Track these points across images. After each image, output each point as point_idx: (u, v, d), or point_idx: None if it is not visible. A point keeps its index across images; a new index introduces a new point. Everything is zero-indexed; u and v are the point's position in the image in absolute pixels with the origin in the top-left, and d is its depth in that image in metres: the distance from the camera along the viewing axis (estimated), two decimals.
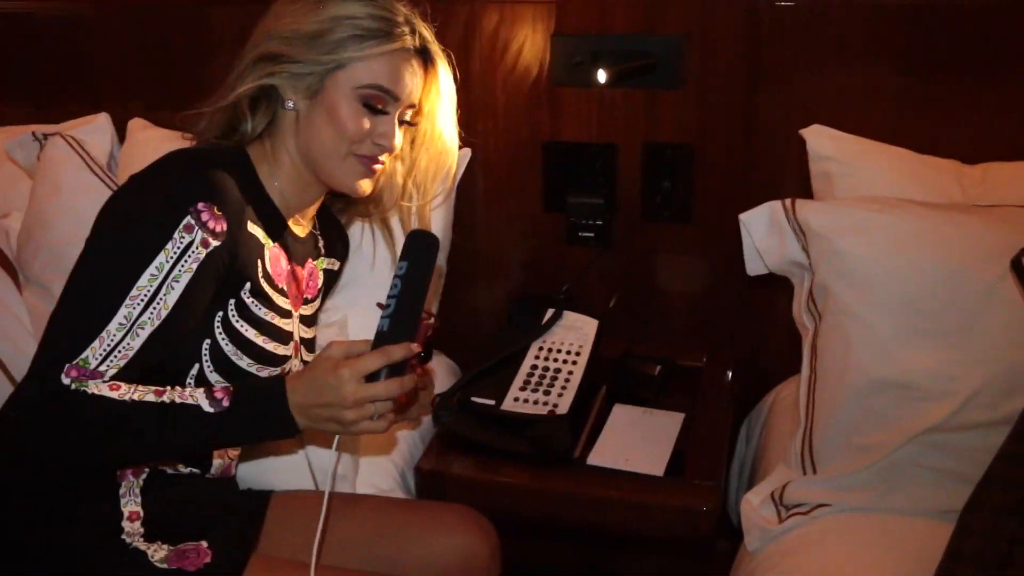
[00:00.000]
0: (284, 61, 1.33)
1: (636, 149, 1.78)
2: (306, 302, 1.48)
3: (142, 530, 1.27)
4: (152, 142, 1.94)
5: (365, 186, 1.42)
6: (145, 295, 1.19)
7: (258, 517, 1.40)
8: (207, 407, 1.17)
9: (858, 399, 1.31)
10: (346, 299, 1.72)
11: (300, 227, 1.46)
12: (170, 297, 1.21)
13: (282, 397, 1.18)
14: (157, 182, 1.25)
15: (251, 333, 1.33)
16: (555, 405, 1.61)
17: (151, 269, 1.19)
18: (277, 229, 1.40)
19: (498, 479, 1.54)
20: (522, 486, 1.53)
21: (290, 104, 1.36)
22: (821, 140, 1.56)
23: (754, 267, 1.48)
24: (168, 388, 1.19)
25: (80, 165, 1.78)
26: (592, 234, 1.82)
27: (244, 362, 1.33)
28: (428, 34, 1.41)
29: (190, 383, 1.30)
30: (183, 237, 1.21)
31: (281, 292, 1.40)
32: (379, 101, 1.36)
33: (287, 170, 1.39)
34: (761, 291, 1.80)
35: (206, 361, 1.31)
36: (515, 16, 1.75)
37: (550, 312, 1.76)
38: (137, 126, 1.99)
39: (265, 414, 1.19)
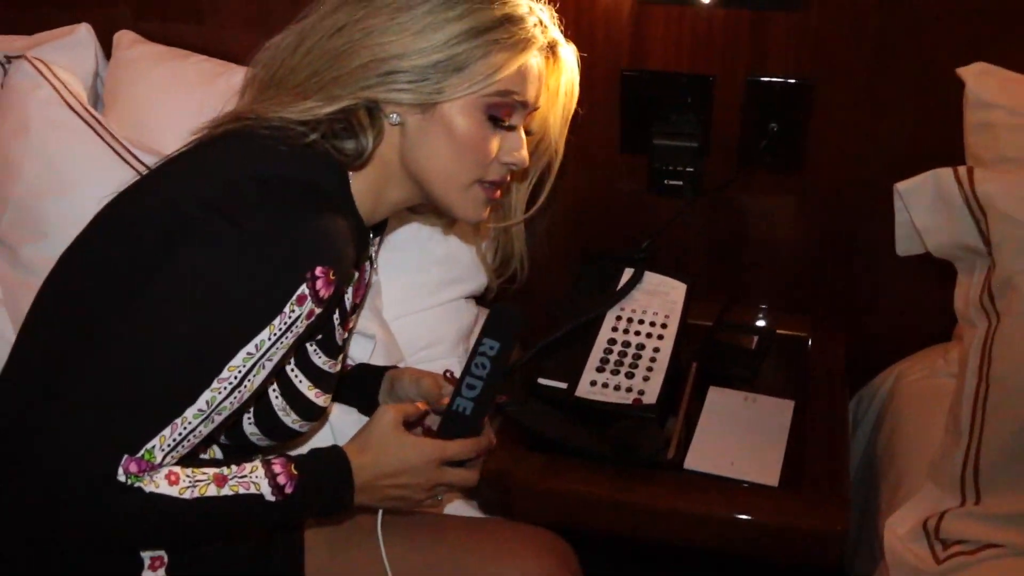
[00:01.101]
0: (397, 74, 1.04)
1: (737, 84, 1.48)
2: (354, 310, 1.23)
3: None
4: (145, 62, 1.64)
5: (484, 214, 1.17)
6: (235, 377, 0.95)
7: (299, 547, 1.16)
8: (269, 496, 0.99)
9: None
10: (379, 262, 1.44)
11: None
12: (258, 378, 0.97)
13: (348, 478, 1.06)
14: (272, 230, 0.96)
15: (304, 385, 1.10)
16: (641, 392, 1.36)
17: (250, 347, 0.95)
18: (360, 262, 1.16)
19: (574, 487, 1.31)
20: (604, 497, 1.29)
21: (395, 117, 1.07)
22: (985, 82, 1.25)
23: (908, 247, 1.21)
24: (225, 470, 0.98)
25: (52, 98, 1.46)
26: (681, 182, 1.53)
27: (290, 418, 1.11)
28: (553, 21, 1.14)
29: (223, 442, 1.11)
30: (293, 311, 0.96)
31: (347, 323, 1.15)
32: (506, 111, 1.09)
33: (372, 183, 1.12)
34: (870, 250, 1.54)
35: (248, 417, 1.10)
36: None
37: (628, 273, 1.50)
38: (125, 41, 1.67)
39: (331, 500, 1.05)
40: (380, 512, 1.13)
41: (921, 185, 1.16)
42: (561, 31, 1.16)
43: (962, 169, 1.14)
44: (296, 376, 1.09)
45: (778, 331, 1.56)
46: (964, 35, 1.36)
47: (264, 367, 0.97)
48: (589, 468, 1.32)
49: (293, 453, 1.06)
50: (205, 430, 0.96)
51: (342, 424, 1.31)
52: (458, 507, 1.34)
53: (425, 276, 1.50)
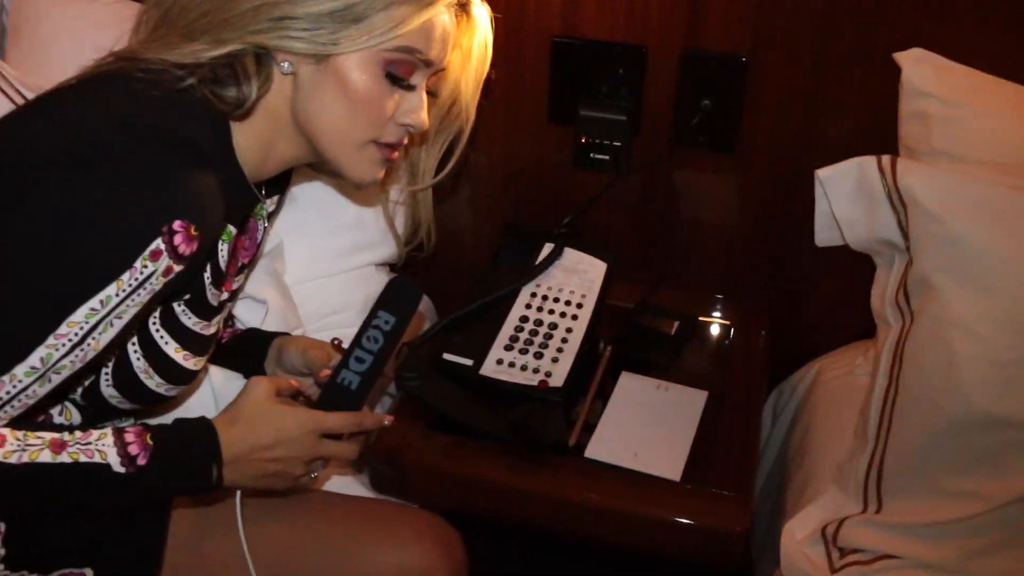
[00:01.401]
0: (290, 20, 0.96)
1: (672, 56, 1.40)
2: (240, 270, 1.15)
3: (2, 552, 0.96)
4: (52, 10, 1.53)
5: (377, 175, 1.09)
6: (75, 335, 0.87)
7: (162, 528, 1.09)
8: (117, 466, 0.91)
9: (958, 432, 1.00)
10: (282, 223, 1.37)
11: None
12: (104, 336, 0.90)
13: (214, 451, 0.98)
14: (127, 181, 0.88)
15: (171, 347, 1.02)
16: (548, 374, 1.30)
17: (93, 302, 0.87)
18: (241, 218, 1.08)
19: (469, 471, 1.24)
20: (500, 483, 1.22)
21: (286, 66, 0.99)
22: (921, 69, 1.19)
23: (827, 237, 1.14)
24: (67, 435, 0.90)
25: None
26: (607, 156, 1.46)
27: (154, 381, 1.03)
28: None
29: (70, 401, 1.03)
30: (146, 267, 0.88)
31: (222, 283, 1.07)
32: (407, 69, 1.02)
33: (260, 136, 1.04)
34: (802, 239, 1.47)
35: (105, 376, 1.01)
36: None
37: (547, 248, 1.44)
38: None
39: (194, 475, 0.98)
40: (238, 492, 1.06)
41: (843, 173, 1.09)
42: None
43: (886, 158, 1.08)
44: (161, 336, 1.01)
45: (701, 318, 1.49)
46: (909, 20, 1.29)
47: (112, 324, 0.89)
48: (488, 451, 1.25)
49: (154, 421, 1.00)
50: (40, 390, 0.89)
51: (226, 391, 1.24)
52: (346, 484, 1.28)
53: (334, 240, 1.43)
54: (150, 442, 0.93)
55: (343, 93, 1.01)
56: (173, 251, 0.89)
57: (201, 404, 1.23)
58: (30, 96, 1.35)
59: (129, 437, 0.93)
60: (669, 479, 1.21)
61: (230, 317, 1.30)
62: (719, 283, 1.55)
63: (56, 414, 1.03)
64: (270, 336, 1.24)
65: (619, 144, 1.44)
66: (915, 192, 1.04)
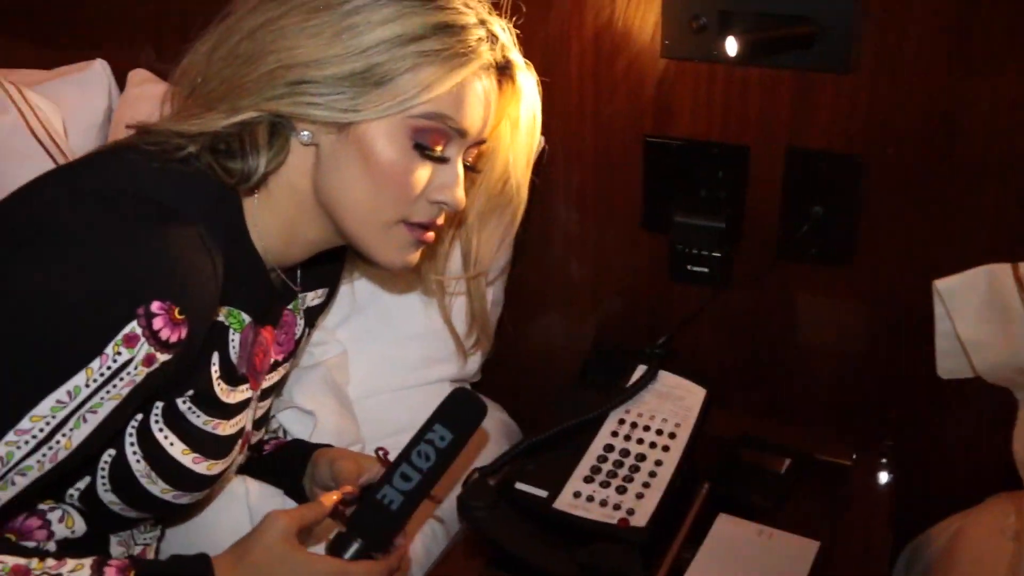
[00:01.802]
0: (307, 85, 0.89)
1: (777, 155, 1.27)
2: (274, 367, 1.05)
3: None
4: (151, 100, 1.52)
5: (411, 260, 0.99)
6: (40, 431, 0.78)
7: None
8: None
9: None
10: (347, 331, 1.28)
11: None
12: (77, 434, 0.81)
13: None
14: (97, 257, 0.80)
15: (176, 449, 0.92)
16: (630, 511, 1.14)
17: (59, 393, 0.78)
18: (260, 304, 0.98)
19: None
20: None
21: (305, 136, 0.91)
22: None
23: (951, 366, 0.96)
24: (34, 563, 0.81)
25: (18, 125, 1.38)
26: (706, 269, 1.31)
27: (158, 487, 0.92)
28: (509, 37, 0.98)
29: (70, 505, 0.92)
30: (119, 354, 0.79)
31: (240, 381, 0.97)
32: (437, 139, 0.92)
33: (280, 215, 0.96)
34: (934, 368, 1.27)
35: (102, 478, 0.90)
36: None
37: (640, 371, 1.30)
38: (137, 79, 1.62)
39: None
40: None
41: (969, 284, 0.91)
42: (521, 53, 1.00)
43: (1023, 265, 0.89)
44: (165, 436, 0.91)
45: (815, 455, 1.30)
46: None
47: (85, 420, 0.80)
48: None
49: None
50: (4, 495, 0.79)
51: (263, 508, 1.12)
52: None
53: (401, 352, 1.33)
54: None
55: (366, 165, 0.91)
56: (153, 337, 0.79)
57: (233, 522, 1.11)
58: None
59: (109, 572, 0.82)
60: None
61: (276, 427, 1.20)
62: (834, 416, 1.37)
63: (56, 520, 0.93)
64: (312, 448, 1.13)
65: (718, 255, 1.30)
66: None
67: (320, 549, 0.96)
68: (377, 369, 1.32)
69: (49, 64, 1.66)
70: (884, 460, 1.29)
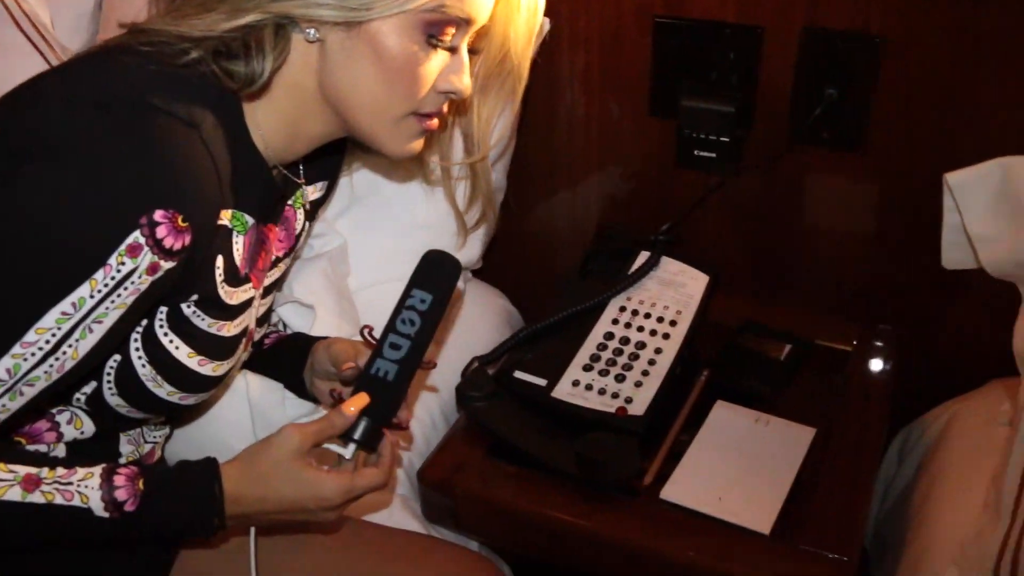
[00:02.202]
0: None
1: (791, 36, 1.21)
2: (275, 264, 1.04)
3: None
4: None
5: (415, 148, 0.97)
6: (46, 343, 0.78)
7: (168, 558, 1.00)
8: (100, 511, 0.82)
9: None
10: (347, 222, 1.25)
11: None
12: (83, 344, 0.80)
13: (214, 506, 0.87)
14: (97, 168, 0.77)
15: (182, 352, 0.91)
16: (628, 400, 1.15)
17: (64, 305, 0.77)
18: (263, 204, 0.96)
19: (527, 507, 1.09)
20: (560, 523, 1.07)
21: (311, 33, 0.87)
22: None
23: (956, 258, 0.93)
24: (45, 471, 0.81)
25: (1, 17, 1.30)
26: (714, 153, 1.27)
27: (164, 390, 0.92)
28: None
29: (78, 407, 0.93)
30: (123, 263, 0.77)
31: (243, 281, 0.96)
32: (448, 30, 0.89)
33: (283, 112, 0.93)
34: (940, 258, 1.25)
35: (108, 382, 0.90)
36: None
37: (643, 257, 1.28)
38: None
39: (186, 523, 0.87)
40: (253, 531, 0.93)
41: (981, 177, 0.88)
42: None
43: None
44: (170, 340, 0.90)
45: (816, 341, 1.29)
46: None
47: (91, 330, 0.79)
48: (553, 486, 1.10)
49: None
50: (12, 404, 0.79)
51: (264, 403, 1.14)
52: (395, 511, 1.15)
53: (403, 241, 1.30)
54: (141, 487, 0.83)
55: (379, 62, 0.88)
56: (157, 245, 0.78)
57: (235, 416, 1.13)
58: None
59: (119, 480, 0.83)
60: (757, 531, 1.03)
61: (276, 321, 1.20)
62: (838, 304, 1.35)
63: (64, 422, 0.95)
64: (311, 341, 1.13)
65: (727, 140, 1.26)
66: None
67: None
68: (378, 259, 1.30)
69: None
70: (883, 346, 1.28)
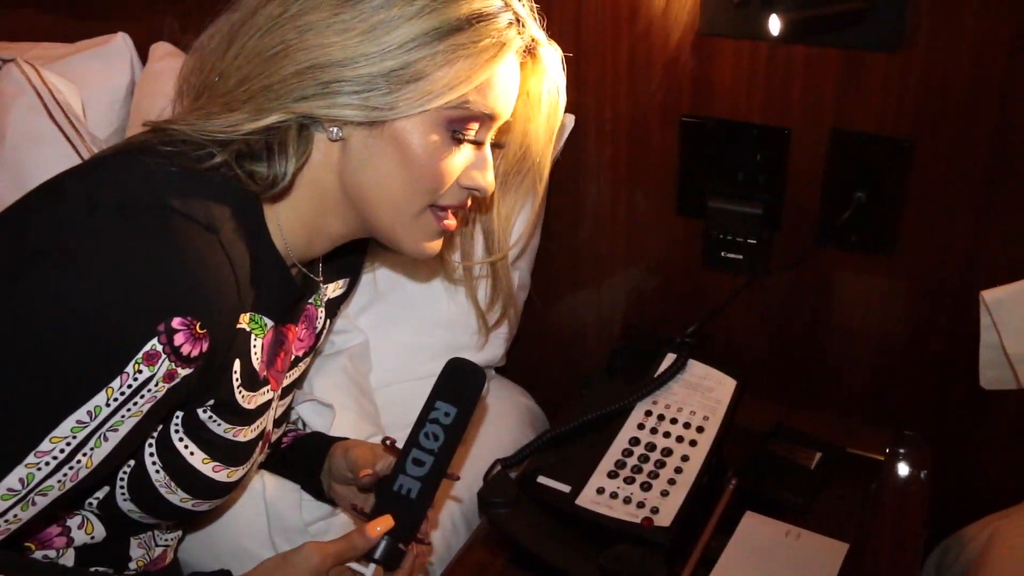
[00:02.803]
0: (340, 84, 0.85)
1: (820, 138, 1.20)
2: (295, 363, 1.02)
3: None
4: (172, 74, 1.49)
5: (434, 248, 0.96)
6: (60, 452, 0.76)
7: None
8: None
9: None
10: (369, 318, 1.24)
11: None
12: (98, 452, 0.78)
13: None
14: (116, 273, 0.76)
15: (196, 458, 0.89)
16: (654, 510, 1.11)
17: (79, 413, 0.76)
18: (282, 305, 0.95)
19: None
20: None
21: (335, 132, 0.87)
22: None
23: (995, 377, 0.91)
24: None
25: (35, 106, 1.33)
26: (741, 255, 1.26)
27: (177, 496, 0.90)
28: (530, 14, 0.94)
29: (90, 512, 0.91)
30: (140, 371, 0.76)
31: (261, 384, 0.94)
32: (471, 125, 0.89)
33: (303, 212, 0.92)
34: (976, 363, 1.20)
35: (121, 488, 0.89)
36: None
37: (669, 359, 1.26)
38: (159, 52, 1.57)
39: None
40: None
41: (1020, 296, 0.85)
42: (544, 29, 0.97)
43: None
44: (185, 446, 0.88)
45: (848, 449, 1.25)
46: None
47: (106, 439, 0.78)
48: None
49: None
50: (24, 514, 0.77)
51: (280, 505, 1.11)
52: None
53: (424, 339, 1.29)
54: None
55: (403, 159, 0.88)
56: (174, 352, 0.77)
57: (250, 517, 1.10)
58: None
59: None
60: None
61: (295, 419, 1.18)
62: (871, 410, 1.31)
63: (75, 527, 0.92)
64: (330, 442, 1.10)
65: (755, 242, 1.24)
66: None
67: None
68: (400, 357, 1.29)
69: (72, 37, 1.62)
70: (918, 455, 1.24)
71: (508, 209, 1.15)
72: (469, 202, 0.98)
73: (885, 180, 1.18)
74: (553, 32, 1.03)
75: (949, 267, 1.19)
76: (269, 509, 1.11)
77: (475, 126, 0.91)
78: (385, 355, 1.28)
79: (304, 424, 1.20)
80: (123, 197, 0.81)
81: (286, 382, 1.03)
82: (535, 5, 0.97)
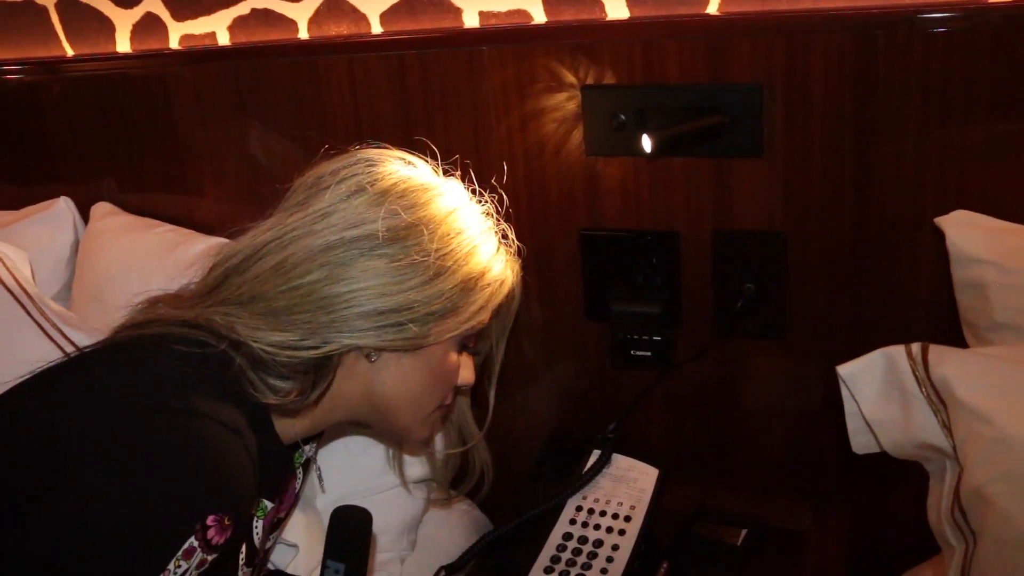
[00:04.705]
0: (396, 323, 0.99)
1: (705, 238, 1.30)
2: (277, 524, 1.10)
3: None
4: (112, 233, 1.61)
5: (432, 435, 1.19)
6: None
7: None
8: None
9: None
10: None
11: None
12: None
13: None
14: (160, 480, 0.83)
15: None
16: None
17: None
18: (280, 487, 1.06)
19: None
20: None
21: (374, 356, 1.00)
22: (967, 233, 1.05)
23: (863, 442, 0.99)
24: None
25: None
26: (648, 352, 1.35)
27: None
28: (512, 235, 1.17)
29: None
30: (179, 567, 0.83)
31: (256, 557, 1.03)
32: (476, 340, 1.11)
33: (316, 418, 1.03)
34: None
35: None
36: (531, 67, 1.30)
37: (594, 456, 1.33)
38: (100, 212, 1.66)
39: None
40: None
41: (868, 368, 0.94)
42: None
43: (916, 347, 0.92)
44: None
45: (771, 523, 1.32)
46: (952, 177, 1.15)
47: None
48: None
49: None
50: None
51: None
52: None
53: (370, 456, 1.36)
54: None
55: (430, 373, 1.04)
56: (206, 544, 0.83)
57: None
58: (68, 332, 1.38)
59: None
60: None
61: None
62: (789, 484, 1.38)
63: None
64: None
65: (659, 339, 1.33)
66: (952, 385, 0.88)
67: None
68: (346, 473, 1.35)
69: (17, 203, 1.73)
70: (836, 524, 1.31)
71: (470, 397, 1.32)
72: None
73: (768, 272, 1.28)
74: (455, 166, 1.17)
75: (835, 347, 1.27)
76: None
77: (477, 340, 1.09)
78: (333, 473, 1.33)
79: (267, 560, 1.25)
80: (154, 401, 0.87)
81: (269, 544, 1.10)
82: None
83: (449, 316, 1.01)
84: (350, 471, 1.36)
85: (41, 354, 1.15)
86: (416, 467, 1.39)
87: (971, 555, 0.89)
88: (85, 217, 1.69)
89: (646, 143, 1.23)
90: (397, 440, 1.27)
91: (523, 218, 1.35)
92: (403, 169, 1.08)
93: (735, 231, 1.28)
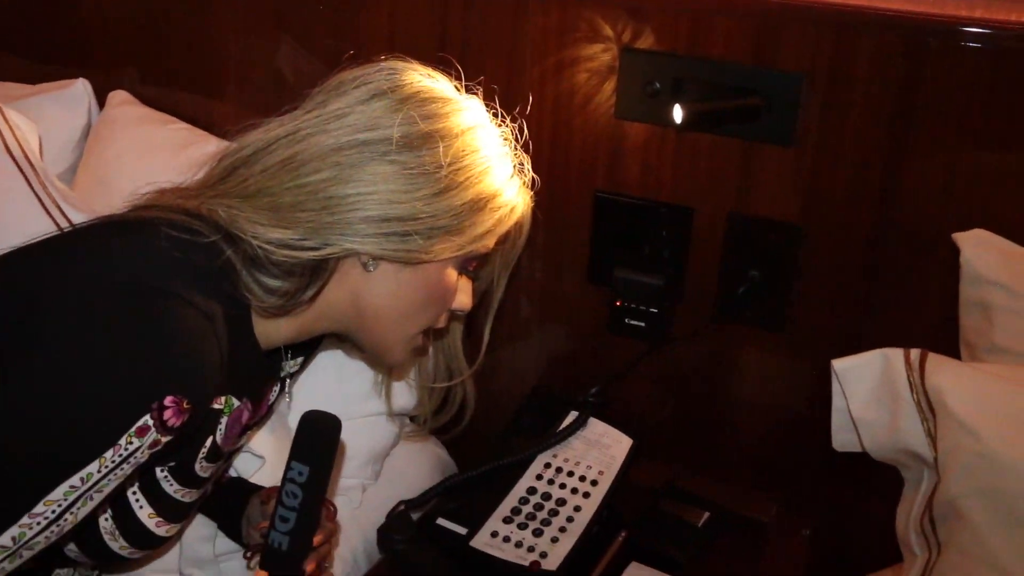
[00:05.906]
0: (398, 231, 0.97)
1: (719, 220, 1.29)
2: (244, 431, 1.10)
3: None
4: (125, 122, 1.60)
5: (407, 360, 1.13)
6: (52, 513, 0.82)
7: None
8: None
9: None
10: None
11: None
12: (82, 511, 0.84)
13: None
14: (121, 353, 0.82)
15: (144, 512, 0.97)
16: (543, 554, 1.18)
17: (73, 480, 0.81)
18: (252, 387, 1.03)
19: None
20: None
21: (371, 265, 0.98)
22: (983, 253, 1.04)
23: (844, 440, 0.98)
24: None
25: None
26: (643, 323, 1.34)
27: (117, 544, 0.98)
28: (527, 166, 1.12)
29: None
30: (131, 443, 0.82)
31: (220, 457, 1.02)
32: (478, 264, 1.08)
33: (300, 323, 1.01)
34: None
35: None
36: (575, 18, 1.28)
37: (571, 416, 1.33)
38: (116, 100, 1.65)
39: None
40: None
41: (864, 365, 0.94)
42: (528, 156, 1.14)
43: (915, 352, 0.92)
44: (136, 500, 0.95)
45: (735, 511, 1.32)
46: (980, 200, 1.15)
47: (91, 499, 0.83)
48: None
49: None
50: (10, 567, 0.82)
51: (194, 537, 1.16)
52: None
53: (346, 384, 1.35)
54: None
55: (425, 290, 1.01)
56: (161, 425, 0.83)
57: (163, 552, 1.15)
58: (66, 208, 1.36)
59: None
60: None
61: None
62: (761, 475, 1.38)
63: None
64: (251, 491, 1.16)
65: (656, 311, 1.33)
66: (945, 395, 0.87)
67: None
68: (321, 402, 1.33)
69: (36, 79, 1.70)
70: (801, 520, 1.31)
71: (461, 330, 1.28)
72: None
73: (778, 262, 1.27)
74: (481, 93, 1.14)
75: (834, 348, 1.27)
76: (183, 540, 1.15)
77: (480, 264, 1.06)
78: (307, 400, 1.32)
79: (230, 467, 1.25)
80: (133, 277, 0.87)
81: (235, 446, 1.10)
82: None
83: (454, 234, 0.98)
84: (327, 399, 1.34)
85: (37, 228, 1.14)
86: (400, 399, 1.38)
87: (932, 565, 0.89)
88: (101, 104, 1.67)
89: (677, 113, 1.22)
90: (373, 359, 1.21)
91: (542, 172, 1.34)
92: (426, 80, 1.05)
93: (751, 216, 1.27)
